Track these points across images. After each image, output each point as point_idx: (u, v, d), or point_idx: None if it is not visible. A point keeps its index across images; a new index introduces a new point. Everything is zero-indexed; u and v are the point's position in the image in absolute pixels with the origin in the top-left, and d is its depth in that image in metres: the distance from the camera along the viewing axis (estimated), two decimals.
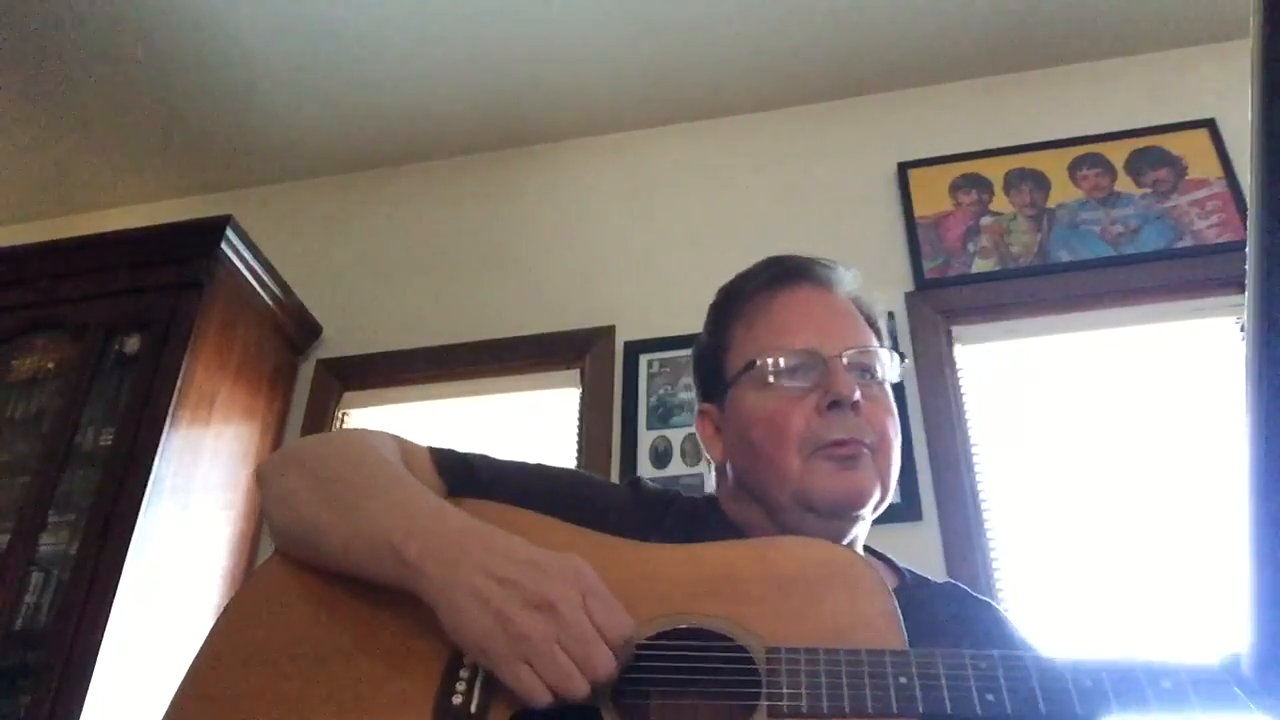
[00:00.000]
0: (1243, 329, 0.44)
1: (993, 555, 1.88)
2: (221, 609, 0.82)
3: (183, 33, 2.43)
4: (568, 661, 0.63)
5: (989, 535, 1.90)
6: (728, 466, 0.95)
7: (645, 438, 2.14)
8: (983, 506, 1.93)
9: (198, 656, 0.78)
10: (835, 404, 0.85)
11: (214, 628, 0.80)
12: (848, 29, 2.40)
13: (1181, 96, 2.32)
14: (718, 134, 2.65)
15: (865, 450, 0.85)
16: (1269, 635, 0.48)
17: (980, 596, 0.93)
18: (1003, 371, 2.12)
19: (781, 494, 0.86)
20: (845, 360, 0.88)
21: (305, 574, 0.82)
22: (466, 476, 0.89)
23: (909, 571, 0.94)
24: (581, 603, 0.65)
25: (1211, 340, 2.03)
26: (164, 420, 1.95)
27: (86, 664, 1.70)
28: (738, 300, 0.97)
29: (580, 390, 2.29)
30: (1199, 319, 2.04)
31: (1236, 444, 0.46)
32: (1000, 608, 0.92)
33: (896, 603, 0.70)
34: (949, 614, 0.87)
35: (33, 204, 2.98)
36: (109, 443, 1.98)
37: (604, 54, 2.49)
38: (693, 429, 2.12)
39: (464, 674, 0.70)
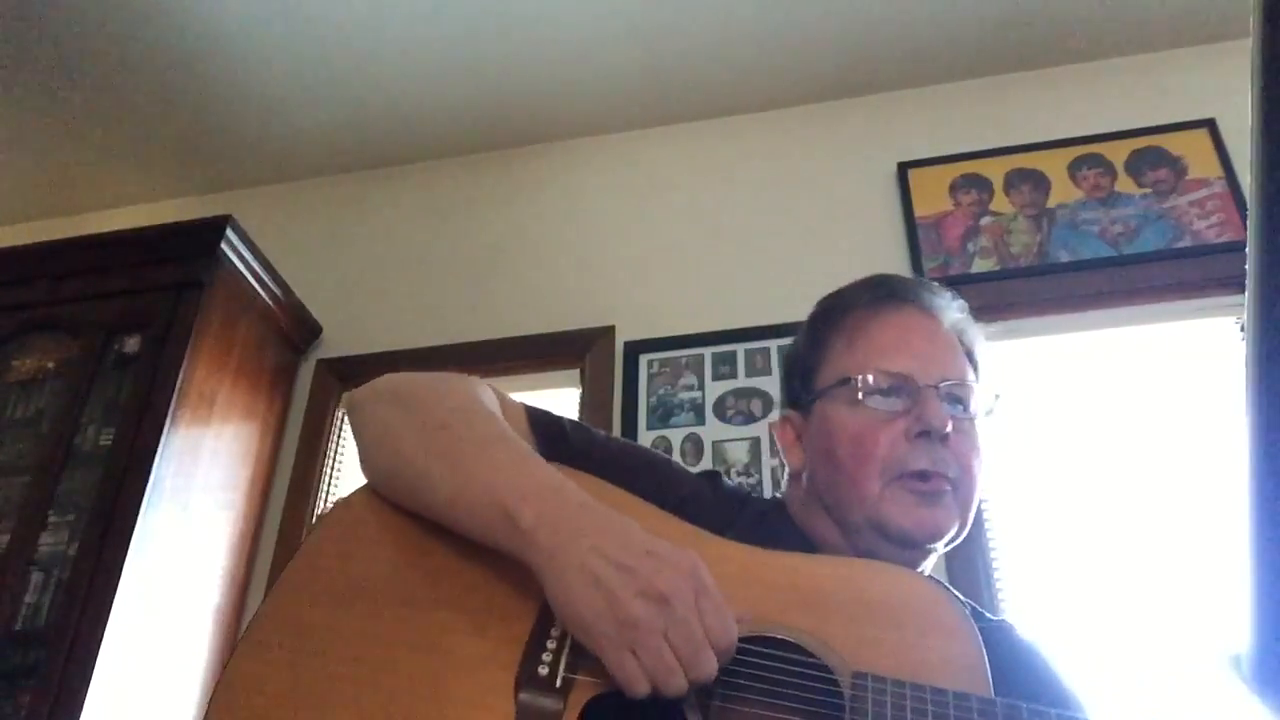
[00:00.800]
0: (1243, 329, 0.44)
1: (993, 556, 1.88)
2: (307, 536, 0.81)
3: (183, 33, 2.43)
4: (672, 656, 0.63)
5: (989, 536, 1.90)
6: (804, 476, 0.94)
7: (645, 438, 2.14)
8: (983, 507, 1.93)
9: (280, 583, 0.77)
10: (925, 433, 0.84)
11: (299, 556, 0.79)
12: (848, 29, 2.40)
13: (1181, 96, 2.32)
14: (718, 134, 2.65)
15: (948, 487, 0.85)
16: (1269, 635, 0.48)
17: (1026, 637, 0.91)
18: (1003, 372, 2.12)
19: (856, 514, 0.86)
20: (940, 390, 0.87)
21: (393, 513, 0.81)
22: (559, 439, 0.88)
23: (971, 605, 0.91)
24: (694, 601, 0.64)
25: (1211, 340, 2.03)
26: (164, 420, 1.95)
27: (86, 664, 1.70)
28: (839, 314, 0.96)
29: (580, 390, 2.29)
30: (1199, 319, 2.05)
31: (1237, 444, 0.46)
32: (1046, 650, 0.90)
33: (985, 652, 0.69)
34: (1004, 655, 0.84)
35: (33, 204, 2.99)
36: (109, 443, 1.98)
37: (604, 54, 2.49)
38: (692, 428, 2.15)
39: (550, 645, 0.69)
